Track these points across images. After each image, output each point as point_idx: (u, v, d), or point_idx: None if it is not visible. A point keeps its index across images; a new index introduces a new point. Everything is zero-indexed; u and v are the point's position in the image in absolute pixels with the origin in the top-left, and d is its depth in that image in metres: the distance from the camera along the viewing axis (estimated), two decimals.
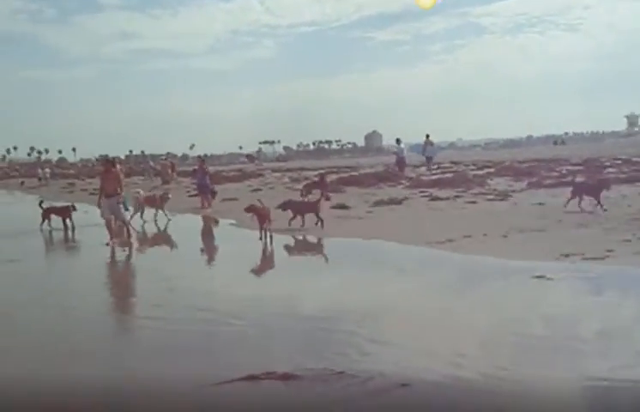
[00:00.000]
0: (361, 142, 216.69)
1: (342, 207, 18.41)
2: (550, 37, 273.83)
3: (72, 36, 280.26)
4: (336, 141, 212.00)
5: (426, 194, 20.28)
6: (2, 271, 11.38)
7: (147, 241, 15.65)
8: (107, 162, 15.40)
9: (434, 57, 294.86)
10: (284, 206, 14.90)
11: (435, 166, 31.45)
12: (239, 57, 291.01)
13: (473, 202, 17.31)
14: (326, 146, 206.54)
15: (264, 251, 12.26)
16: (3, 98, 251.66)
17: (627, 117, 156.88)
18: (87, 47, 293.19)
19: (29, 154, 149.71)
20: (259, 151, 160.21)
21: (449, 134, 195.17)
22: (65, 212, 17.38)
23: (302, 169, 48.34)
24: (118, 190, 14.07)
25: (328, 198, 21.23)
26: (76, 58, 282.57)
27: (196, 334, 6.64)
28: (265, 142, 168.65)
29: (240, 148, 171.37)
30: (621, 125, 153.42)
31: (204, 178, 21.40)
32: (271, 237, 12.80)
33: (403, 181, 25.83)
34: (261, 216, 13.07)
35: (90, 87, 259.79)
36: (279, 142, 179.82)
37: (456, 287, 8.24)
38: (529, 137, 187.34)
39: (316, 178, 26.99)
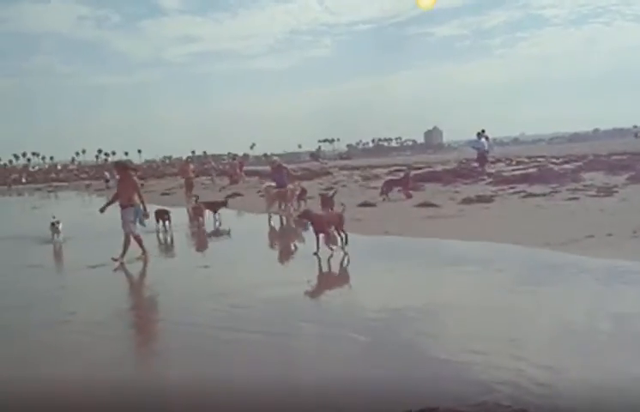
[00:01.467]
0: (421, 139, 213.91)
1: (429, 205, 17.37)
2: (616, 28, 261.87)
3: (136, 41, 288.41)
4: (396, 138, 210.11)
5: (517, 190, 18.95)
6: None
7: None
8: (120, 166, 13.41)
9: (495, 51, 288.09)
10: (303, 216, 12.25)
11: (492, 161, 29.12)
12: (298, 56, 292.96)
13: (575, 199, 15.89)
14: (385, 143, 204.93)
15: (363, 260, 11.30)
16: (71, 103, 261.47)
17: None
18: (150, 51, 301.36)
19: (97, 157, 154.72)
20: (318, 149, 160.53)
21: (512, 129, 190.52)
22: (164, 214, 17.24)
23: (370, 166, 47.42)
24: (135, 198, 12.14)
25: (409, 196, 20.34)
26: (141, 62, 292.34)
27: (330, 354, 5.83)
28: (325, 141, 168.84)
29: (300, 146, 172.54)
30: None
31: (282, 177, 20.10)
32: (345, 238, 11.32)
33: (485, 177, 24.48)
34: (318, 224, 11.31)
35: (154, 90, 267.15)
36: (338, 140, 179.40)
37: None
38: (596, 131, 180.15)
39: (393, 176, 26.07)
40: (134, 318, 8.14)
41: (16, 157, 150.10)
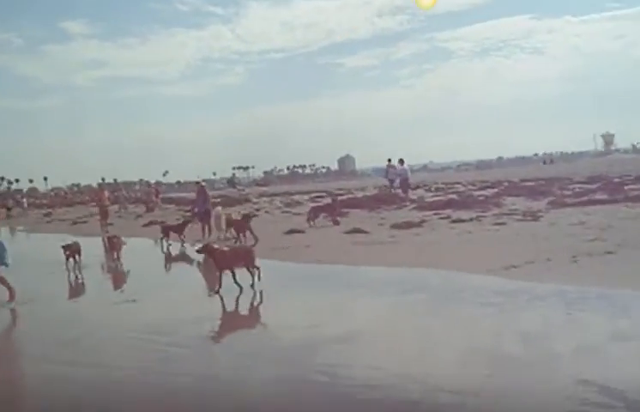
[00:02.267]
0: (335, 166, 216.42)
1: (359, 231, 17.00)
2: (516, 60, 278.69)
3: (41, 65, 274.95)
4: (310, 165, 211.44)
5: (443, 216, 18.98)
6: None
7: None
8: None
9: (403, 82, 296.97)
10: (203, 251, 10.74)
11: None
12: (211, 83, 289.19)
13: (502, 223, 16.00)
14: (300, 170, 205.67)
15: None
16: None
17: (603, 136, 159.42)
18: (56, 76, 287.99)
19: None
20: (233, 176, 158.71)
21: (421, 157, 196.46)
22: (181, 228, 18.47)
23: (288, 193, 46.95)
24: None
25: (337, 223, 19.92)
26: (46, 87, 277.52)
27: None
28: (239, 168, 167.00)
29: (214, 173, 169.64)
30: (589, 145, 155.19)
31: (205, 203, 19.58)
32: (258, 275, 10.13)
33: (407, 203, 24.55)
34: (220, 260, 10.10)
35: (60, 115, 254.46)
36: (253, 167, 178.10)
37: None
38: (500, 159, 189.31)
39: (317, 203, 25.72)
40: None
41: None
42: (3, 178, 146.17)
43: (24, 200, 55.67)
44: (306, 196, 37.10)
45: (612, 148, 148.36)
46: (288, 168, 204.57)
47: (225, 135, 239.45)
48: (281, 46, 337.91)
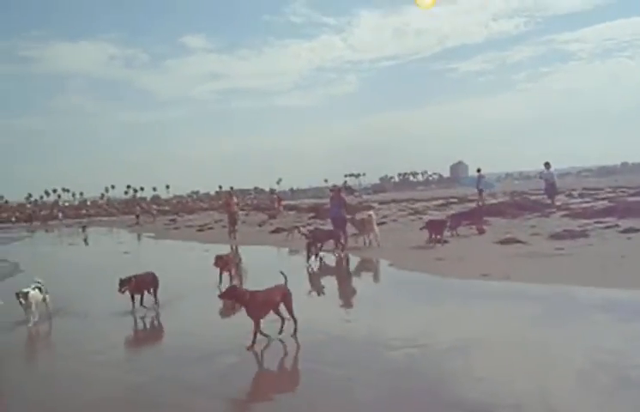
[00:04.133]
0: (446, 173, 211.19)
1: (513, 241, 15.46)
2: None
3: (164, 79, 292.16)
4: (422, 172, 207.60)
5: (609, 224, 16.91)
6: None
7: None
8: None
9: (519, 86, 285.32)
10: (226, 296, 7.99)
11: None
12: (323, 93, 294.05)
13: None
14: (412, 177, 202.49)
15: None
16: (100, 139, 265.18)
17: None
18: (177, 89, 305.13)
19: (126, 193, 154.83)
20: (345, 183, 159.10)
21: (537, 162, 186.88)
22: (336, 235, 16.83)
23: (411, 200, 45.52)
24: None
25: (483, 231, 18.43)
26: (168, 100, 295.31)
27: None
28: (351, 175, 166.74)
29: (326, 181, 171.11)
30: None
31: (340, 209, 17.63)
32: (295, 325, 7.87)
33: (554, 210, 22.46)
34: (252, 307, 7.64)
35: (181, 126, 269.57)
36: (364, 174, 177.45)
37: None
38: (624, 164, 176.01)
39: (459, 211, 24.22)
40: None
41: (47, 193, 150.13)
42: (129, 187, 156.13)
43: (153, 207, 58.15)
44: (430, 203, 35.47)
45: None
46: (399, 175, 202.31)
47: (336, 142, 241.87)
48: (393, 54, 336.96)
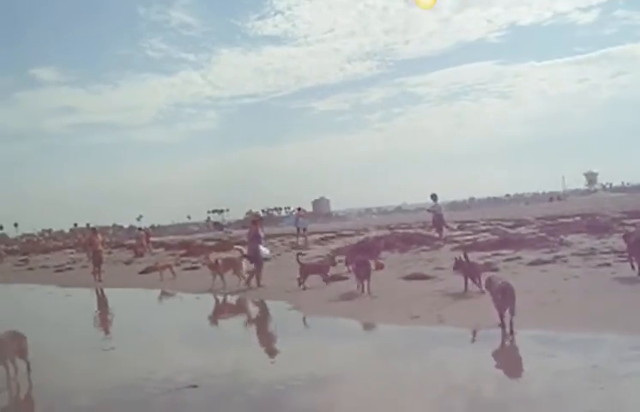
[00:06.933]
0: (309, 208, 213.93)
1: (421, 277, 14.04)
2: (483, 104, 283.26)
3: (11, 112, 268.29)
4: (285, 207, 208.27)
5: (510, 257, 16.09)
6: None
7: None
8: None
9: (375, 125, 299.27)
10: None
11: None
12: (184, 128, 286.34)
13: (607, 265, 13.12)
14: (275, 213, 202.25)
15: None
16: None
17: (586, 174, 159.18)
18: (27, 122, 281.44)
19: None
20: (208, 219, 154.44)
21: (395, 198, 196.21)
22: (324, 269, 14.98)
23: (282, 235, 43.82)
24: None
25: (380, 266, 16.88)
26: (16, 133, 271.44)
27: None
28: (214, 211, 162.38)
29: (189, 217, 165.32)
30: (557, 186, 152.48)
31: (257, 242, 15.97)
32: None
33: (442, 243, 21.66)
34: None
35: (31, 161, 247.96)
36: (227, 210, 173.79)
37: None
38: (472, 199, 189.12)
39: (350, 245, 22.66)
40: None
41: None
42: None
43: (1, 247, 51.16)
44: (310, 238, 33.84)
45: (596, 186, 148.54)
46: (264, 211, 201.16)
47: (199, 178, 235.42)
48: (253, 92, 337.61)
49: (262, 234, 16.45)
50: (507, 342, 7.93)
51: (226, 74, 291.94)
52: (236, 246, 17.88)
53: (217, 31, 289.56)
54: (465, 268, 11.93)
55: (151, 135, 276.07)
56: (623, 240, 13.09)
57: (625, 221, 22.90)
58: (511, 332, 7.99)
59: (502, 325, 8.18)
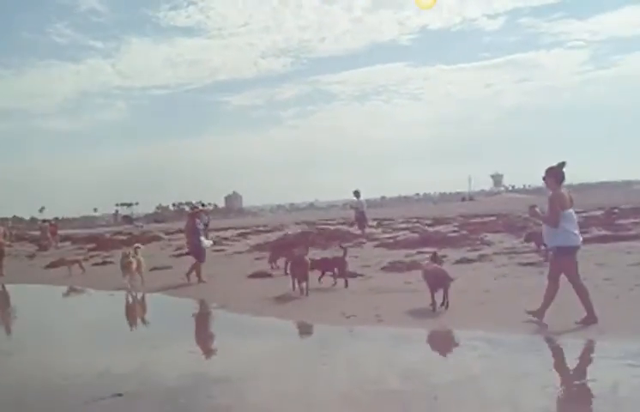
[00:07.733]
0: (221, 204, 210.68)
1: (353, 275, 13.67)
2: (394, 105, 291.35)
3: None
4: (197, 202, 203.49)
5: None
6: None
7: None
8: None
9: (289, 122, 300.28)
10: None
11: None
12: (91, 118, 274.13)
13: (532, 264, 13.35)
14: (186, 207, 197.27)
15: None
16: None
17: (492, 176, 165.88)
18: None
19: None
20: (116, 213, 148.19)
21: (308, 195, 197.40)
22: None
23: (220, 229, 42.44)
24: None
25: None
26: None
27: None
28: (122, 205, 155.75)
29: (95, 210, 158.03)
30: (464, 186, 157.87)
31: (197, 235, 15.09)
32: None
33: (364, 240, 21.53)
34: None
35: None
36: (137, 203, 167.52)
37: None
38: (383, 198, 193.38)
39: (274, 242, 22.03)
40: None
41: None
42: None
43: None
44: (229, 234, 32.97)
45: (502, 187, 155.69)
46: (174, 205, 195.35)
47: (107, 170, 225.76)
48: (164, 83, 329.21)
49: (200, 226, 15.56)
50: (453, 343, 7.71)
51: (137, 64, 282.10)
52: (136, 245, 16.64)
53: (127, 19, 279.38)
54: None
55: (57, 123, 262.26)
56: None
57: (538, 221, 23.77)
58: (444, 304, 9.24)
59: (432, 305, 9.21)
